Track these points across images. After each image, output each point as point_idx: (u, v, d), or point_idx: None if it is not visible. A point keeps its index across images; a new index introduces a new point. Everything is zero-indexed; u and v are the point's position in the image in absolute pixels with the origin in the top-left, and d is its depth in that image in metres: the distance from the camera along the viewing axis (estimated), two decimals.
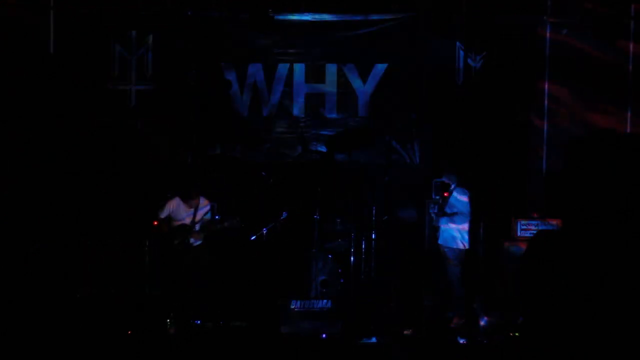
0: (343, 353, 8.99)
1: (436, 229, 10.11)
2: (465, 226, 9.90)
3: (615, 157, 10.65)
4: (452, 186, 9.97)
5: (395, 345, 9.07)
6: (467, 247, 9.94)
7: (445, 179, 10.02)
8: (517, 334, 9.28)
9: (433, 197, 10.75)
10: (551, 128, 11.87)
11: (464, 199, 9.88)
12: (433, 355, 9.03)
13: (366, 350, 9.00)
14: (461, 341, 9.21)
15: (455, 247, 9.89)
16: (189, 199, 9.72)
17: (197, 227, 9.75)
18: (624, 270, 9.23)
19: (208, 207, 9.87)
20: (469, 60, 11.87)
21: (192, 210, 9.73)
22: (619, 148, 10.83)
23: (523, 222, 10.50)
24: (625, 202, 10.22)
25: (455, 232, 9.89)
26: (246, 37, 11.86)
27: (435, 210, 10.04)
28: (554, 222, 10.52)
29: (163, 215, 9.73)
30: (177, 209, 9.75)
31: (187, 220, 9.72)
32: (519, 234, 10.51)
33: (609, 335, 8.68)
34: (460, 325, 9.79)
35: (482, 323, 9.46)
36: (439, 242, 10.04)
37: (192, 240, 9.72)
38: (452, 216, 9.86)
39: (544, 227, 10.47)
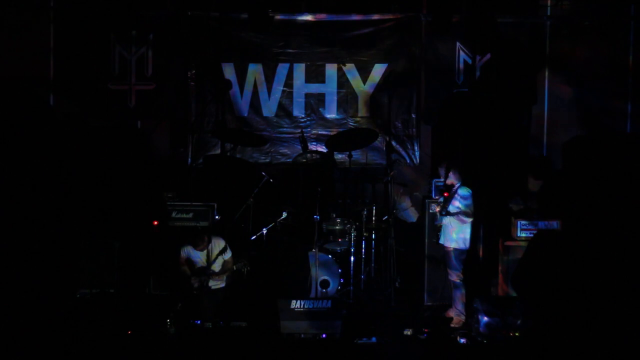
0: (343, 353, 8.99)
1: (437, 229, 10.09)
2: (468, 226, 9.90)
3: (615, 157, 10.65)
4: (456, 185, 9.97)
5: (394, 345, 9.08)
6: (468, 247, 9.94)
7: (450, 178, 10.01)
8: (517, 334, 9.27)
9: (433, 197, 10.76)
10: (551, 128, 11.87)
11: (468, 198, 9.88)
12: (433, 355, 9.02)
13: (366, 350, 8.99)
14: (461, 341, 9.21)
15: (457, 247, 9.88)
16: (195, 246, 9.89)
17: (217, 269, 9.87)
18: (624, 271, 9.23)
19: (222, 246, 9.97)
20: (469, 60, 11.87)
21: (205, 253, 9.88)
22: (619, 148, 10.83)
23: (523, 222, 10.49)
24: (625, 202, 10.21)
25: (458, 232, 9.88)
26: (246, 37, 11.87)
27: (438, 210, 10.03)
28: (554, 222, 10.51)
29: (183, 257, 9.95)
30: (191, 252, 9.93)
31: (201, 263, 9.89)
32: (519, 234, 10.50)
33: (610, 335, 8.68)
34: (460, 325, 9.79)
35: (482, 323, 9.45)
36: (440, 242, 10.03)
37: (211, 283, 9.84)
38: (455, 216, 9.86)
39: (544, 227, 10.46)
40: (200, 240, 9.86)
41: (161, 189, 11.09)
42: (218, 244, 9.95)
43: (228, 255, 9.96)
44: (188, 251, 9.94)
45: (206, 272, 9.81)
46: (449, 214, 9.86)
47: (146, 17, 11.79)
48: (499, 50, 11.77)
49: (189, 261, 9.92)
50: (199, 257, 9.90)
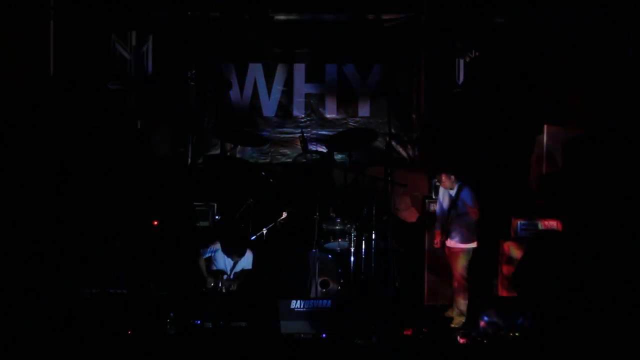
0: (343, 353, 8.99)
1: (443, 230, 10.11)
2: (473, 226, 9.93)
3: (615, 157, 10.64)
4: (457, 185, 9.98)
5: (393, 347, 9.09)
6: (475, 246, 9.97)
7: (454, 179, 10.02)
8: (517, 334, 9.28)
9: (433, 197, 10.76)
10: (551, 127, 11.86)
11: (474, 198, 9.90)
12: (433, 355, 9.02)
13: (366, 350, 8.99)
14: (461, 341, 9.21)
15: (463, 247, 9.91)
16: (231, 256, 9.89)
17: (232, 275, 9.93)
18: (624, 270, 9.22)
19: (250, 257, 10.01)
20: (469, 60, 11.86)
21: (233, 262, 9.93)
22: (619, 148, 10.81)
23: (523, 222, 10.49)
24: (625, 203, 10.21)
25: (464, 232, 9.90)
26: (246, 37, 11.86)
27: (445, 211, 10.06)
28: (554, 222, 10.51)
29: (205, 255, 9.99)
30: (218, 254, 9.94)
31: (222, 267, 9.95)
32: (519, 234, 10.50)
33: (610, 335, 8.67)
34: (460, 325, 9.80)
35: (482, 323, 9.45)
36: (446, 242, 10.04)
37: (224, 287, 9.89)
38: (462, 216, 9.88)
39: (543, 228, 10.46)
40: (239, 254, 9.91)
41: (161, 190, 11.11)
42: (247, 257, 10.00)
43: (248, 267, 10.01)
44: (214, 251, 9.93)
45: (224, 276, 9.85)
46: (457, 214, 9.89)
47: (146, 17, 11.79)
48: (498, 49, 11.76)
49: (209, 260, 9.93)
50: (224, 261, 9.92)
